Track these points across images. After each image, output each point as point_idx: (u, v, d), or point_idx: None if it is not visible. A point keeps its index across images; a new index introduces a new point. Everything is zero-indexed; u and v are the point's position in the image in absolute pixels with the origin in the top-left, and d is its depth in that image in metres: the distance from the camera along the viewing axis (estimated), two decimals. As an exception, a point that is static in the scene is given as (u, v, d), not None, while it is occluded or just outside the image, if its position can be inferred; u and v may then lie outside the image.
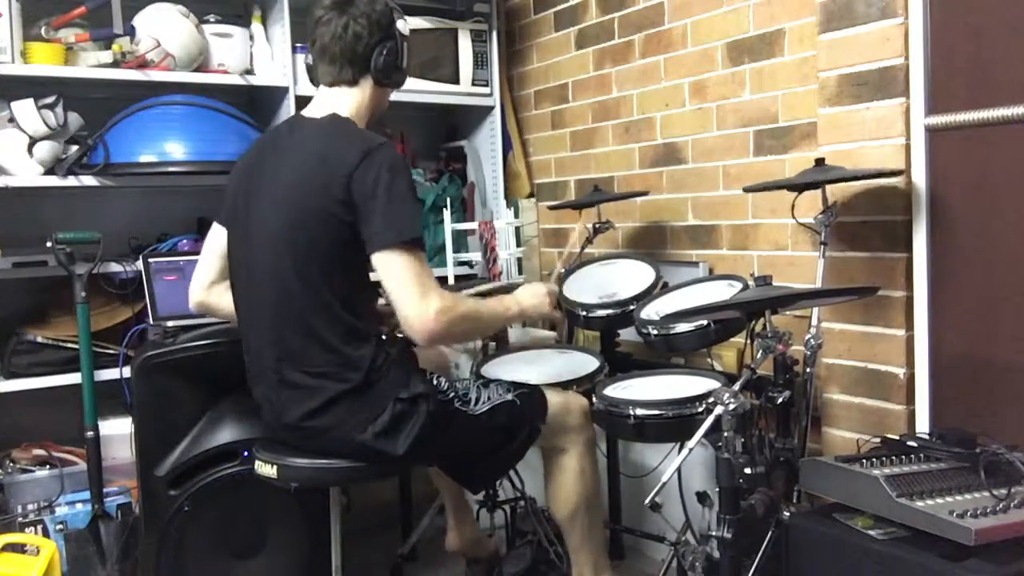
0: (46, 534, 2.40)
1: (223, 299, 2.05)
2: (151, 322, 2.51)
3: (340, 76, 1.93)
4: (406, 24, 1.97)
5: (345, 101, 1.93)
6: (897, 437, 1.85)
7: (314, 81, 1.99)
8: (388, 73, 1.95)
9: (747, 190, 2.29)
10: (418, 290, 1.74)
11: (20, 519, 2.41)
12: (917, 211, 2.10)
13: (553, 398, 2.06)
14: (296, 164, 1.86)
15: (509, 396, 1.99)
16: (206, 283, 2.07)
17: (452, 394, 1.94)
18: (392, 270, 1.76)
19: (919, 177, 2.09)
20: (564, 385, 2.19)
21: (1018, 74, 1.93)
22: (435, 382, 1.95)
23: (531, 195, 3.58)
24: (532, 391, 2.05)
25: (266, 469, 1.92)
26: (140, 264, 2.56)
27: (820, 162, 2.10)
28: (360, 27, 1.90)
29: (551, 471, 2.11)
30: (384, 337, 1.97)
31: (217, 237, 2.05)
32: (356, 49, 1.90)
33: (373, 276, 1.85)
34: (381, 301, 2.09)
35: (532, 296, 2.06)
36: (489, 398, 1.97)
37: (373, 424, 1.82)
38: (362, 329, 1.85)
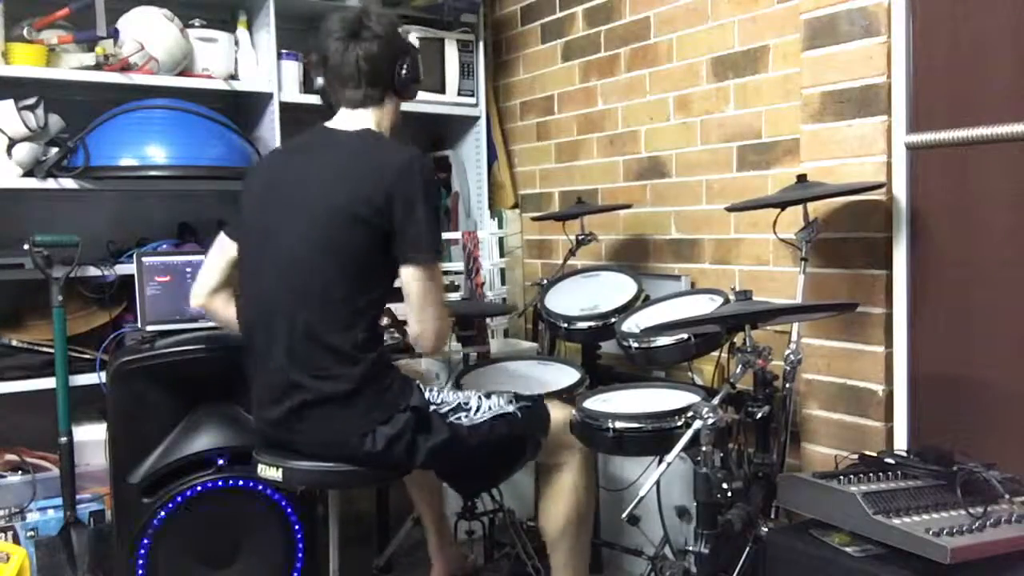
0: (16, 541, 2.37)
1: (225, 307, 2.06)
2: (139, 325, 2.47)
3: (366, 98, 1.95)
4: (416, 36, 2.00)
5: (374, 120, 1.97)
6: (875, 454, 1.85)
7: (333, 105, 2.01)
8: (408, 86, 2.00)
9: (729, 209, 2.29)
10: (429, 309, 1.88)
11: (-10, 525, 2.37)
12: (897, 228, 2.11)
13: (556, 413, 2.06)
14: (331, 172, 1.87)
15: (511, 408, 1.99)
16: (209, 289, 2.07)
17: (450, 405, 1.94)
18: (417, 283, 1.85)
19: (900, 194, 2.10)
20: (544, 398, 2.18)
21: (998, 94, 1.95)
22: (432, 394, 1.96)
23: (515, 206, 3.58)
24: (535, 404, 2.05)
25: (270, 472, 1.91)
26: (131, 265, 2.52)
27: (802, 178, 2.11)
28: (377, 48, 1.92)
29: (545, 485, 2.11)
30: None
31: (224, 247, 2.05)
32: (379, 70, 1.94)
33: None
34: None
35: None
36: (490, 408, 1.97)
37: (374, 434, 1.82)
38: (372, 337, 1.87)
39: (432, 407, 1.91)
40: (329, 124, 1.99)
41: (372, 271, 1.84)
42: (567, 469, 2.08)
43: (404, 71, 1.97)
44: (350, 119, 1.97)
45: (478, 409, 1.96)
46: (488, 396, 2.01)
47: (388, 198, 1.79)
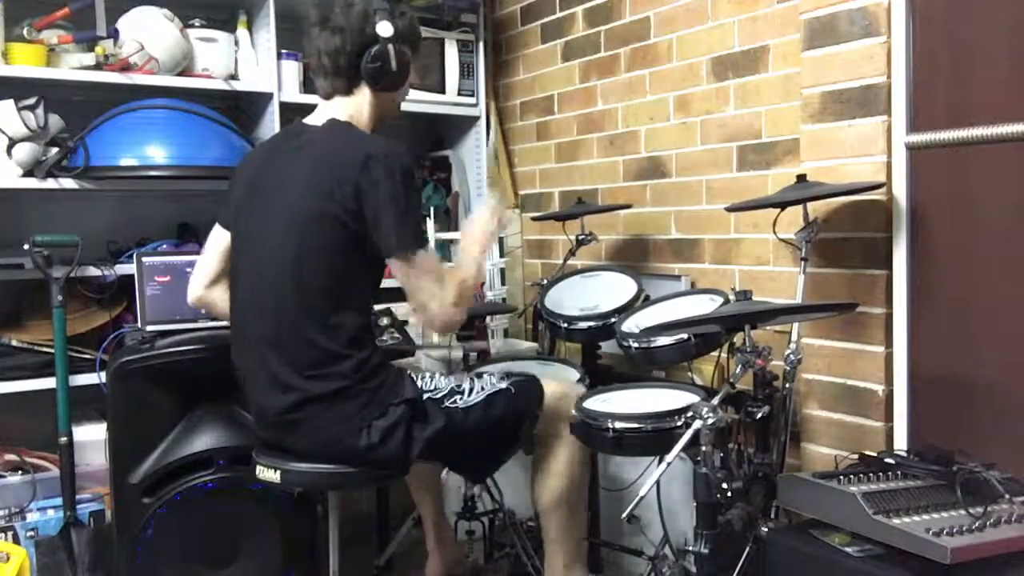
0: (16, 541, 2.36)
1: (223, 299, 2.06)
2: (139, 325, 2.47)
3: (333, 87, 1.97)
4: (390, 25, 1.93)
5: (342, 109, 1.97)
6: (875, 454, 1.85)
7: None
8: (378, 78, 1.95)
9: (729, 209, 2.30)
10: (422, 296, 1.86)
11: (-10, 525, 2.37)
12: (897, 228, 2.11)
13: (550, 386, 2.07)
14: (299, 170, 1.88)
15: (503, 384, 2.01)
16: (207, 280, 2.08)
17: (443, 391, 1.95)
18: (403, 276, 1.85)
19: (900, 194, 2.10)
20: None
21: (998, 94, 1.94)
22: (425, 381, 1.96)
23: (515, 206, 3.58)
24: (527, 379, 2.06)
25: (268, 474, 1.91)
26: (131, 265, 2.52)
27: (802, 178, 2.11)
28: (338, 39, 1.92)
29: (540, 457, 2.12)
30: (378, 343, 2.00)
31: (219, 237, 2.06)
32: (339, 61, 1.93)
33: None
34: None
35: (478, 234, 2.05)
36: (483, 388, 1.98)
37: (369, 429, 1.82)
38: (361, 334, 1.87)
39: (426, 395, 1.92)
40: (306, 119, 2.00)
41: (353, 268, 1.85)
42: (562, 440, 2.08)
43: (370, 62, 1.92)
44: (322, 111, 1.99)
45: (471, 391, 1.97)
46: (480, 376, 2.02)
47: (357, 195, 1.79)
